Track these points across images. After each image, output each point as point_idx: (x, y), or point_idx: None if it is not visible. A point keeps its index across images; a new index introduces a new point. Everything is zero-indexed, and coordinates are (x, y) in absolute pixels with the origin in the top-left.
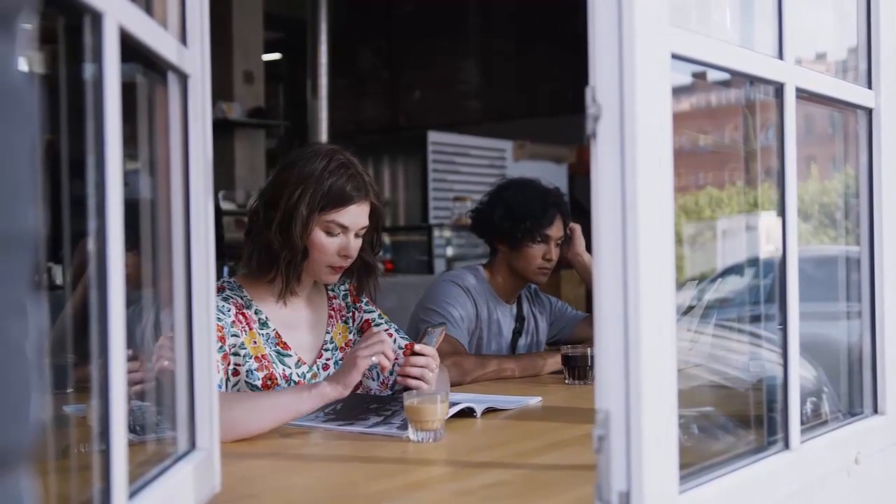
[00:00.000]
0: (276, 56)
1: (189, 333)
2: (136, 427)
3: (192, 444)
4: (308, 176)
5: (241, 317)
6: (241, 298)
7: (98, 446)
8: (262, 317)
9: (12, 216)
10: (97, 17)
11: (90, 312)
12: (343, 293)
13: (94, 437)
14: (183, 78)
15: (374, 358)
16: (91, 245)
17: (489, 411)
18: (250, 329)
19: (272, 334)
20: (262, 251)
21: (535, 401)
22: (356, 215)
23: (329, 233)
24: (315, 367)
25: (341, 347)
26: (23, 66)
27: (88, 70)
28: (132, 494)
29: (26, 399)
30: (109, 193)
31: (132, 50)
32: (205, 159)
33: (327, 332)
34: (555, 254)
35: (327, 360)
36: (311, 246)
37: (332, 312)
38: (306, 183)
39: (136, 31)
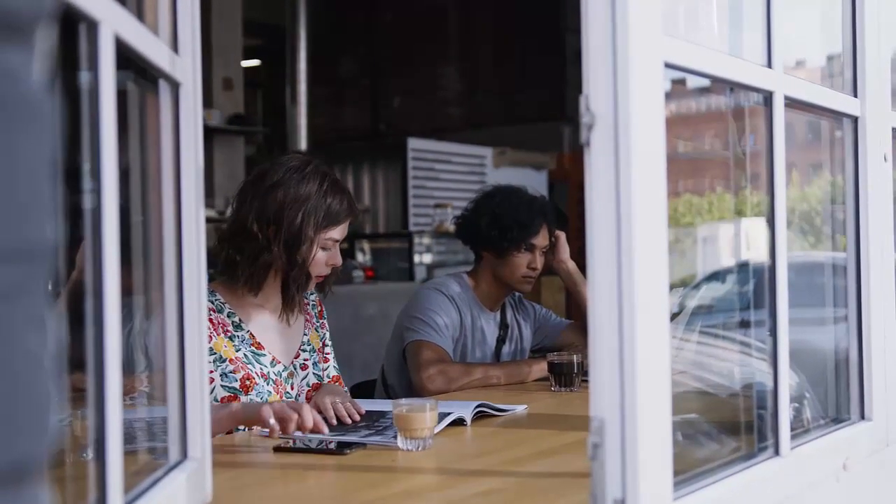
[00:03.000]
0: (255, 62)
1: (180, 343)
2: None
3: (184, 454)
4: (307, 198)
5: (208, 321)
6: (213, 303)
7: (88, 456)
8: (236, 319)
9: (30, 228)
10: (93, 26)
11: (77, 321)
12: (312, 303)
13: (82, 446)
14: (175, 86)
15: (272, 420)
16: (87, 252)
17: (479, 417)
18: (223, 332)
19: (247, 336)
20: (261, 268)
21: (521, 409)
22: (346, 228)
23: (324, 248)
24: (292, 367)
25: (317, 350)
26: (39, 76)
27: (83, 77)
28: None
29: (45, 411)
30: (105, 201)
31: (124, 57)
32: (196, 167)
33: (304, 334)
34: (540, 262)
35: (305, 360)
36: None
37: (308, 316)
38: (307, 205)
39: (130, 40)
